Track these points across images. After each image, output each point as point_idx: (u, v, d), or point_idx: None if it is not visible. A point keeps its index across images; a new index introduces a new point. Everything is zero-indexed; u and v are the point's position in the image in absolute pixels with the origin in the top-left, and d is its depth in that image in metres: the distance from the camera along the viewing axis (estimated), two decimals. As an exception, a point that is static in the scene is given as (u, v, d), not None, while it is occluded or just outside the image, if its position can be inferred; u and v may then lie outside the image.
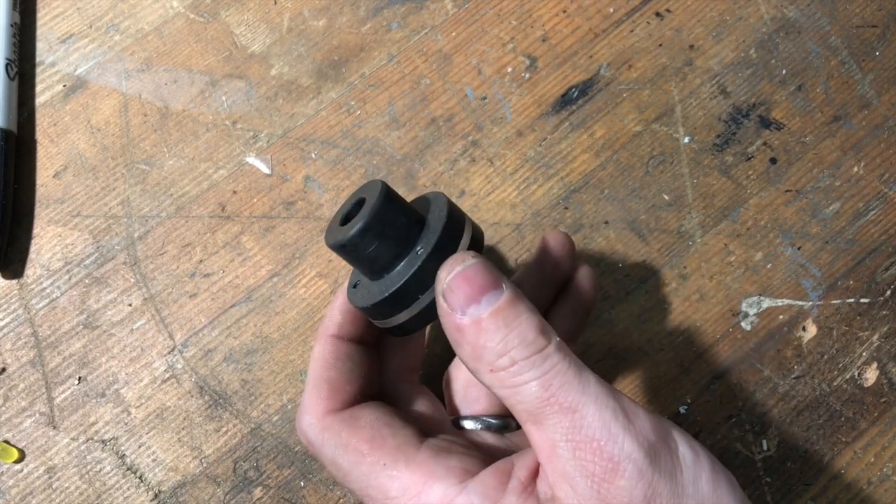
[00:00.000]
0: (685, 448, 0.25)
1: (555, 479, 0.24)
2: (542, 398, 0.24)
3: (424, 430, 0.30)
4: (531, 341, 0.25)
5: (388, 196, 0.27)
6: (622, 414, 0.24)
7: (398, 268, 0.27)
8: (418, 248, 0.27)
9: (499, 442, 0.32)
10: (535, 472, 0.26)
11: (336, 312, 0.31)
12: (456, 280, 0.25)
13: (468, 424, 0.33)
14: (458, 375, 0.34)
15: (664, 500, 0.24)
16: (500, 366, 0.25)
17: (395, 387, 0.33)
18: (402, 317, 0.28)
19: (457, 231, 0.28)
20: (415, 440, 0.28)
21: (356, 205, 0.28)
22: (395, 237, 0.27)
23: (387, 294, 0.27)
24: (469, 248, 0.28)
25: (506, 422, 0.33)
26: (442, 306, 0.26)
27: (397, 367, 0.33)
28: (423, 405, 0.32)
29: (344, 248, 0.27)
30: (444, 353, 0.40)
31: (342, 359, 0.30)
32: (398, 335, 0.30)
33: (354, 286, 0.30)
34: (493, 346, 0.25)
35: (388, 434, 0.28)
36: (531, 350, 0.25)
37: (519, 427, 0.34)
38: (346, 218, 0.28)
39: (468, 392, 0.33)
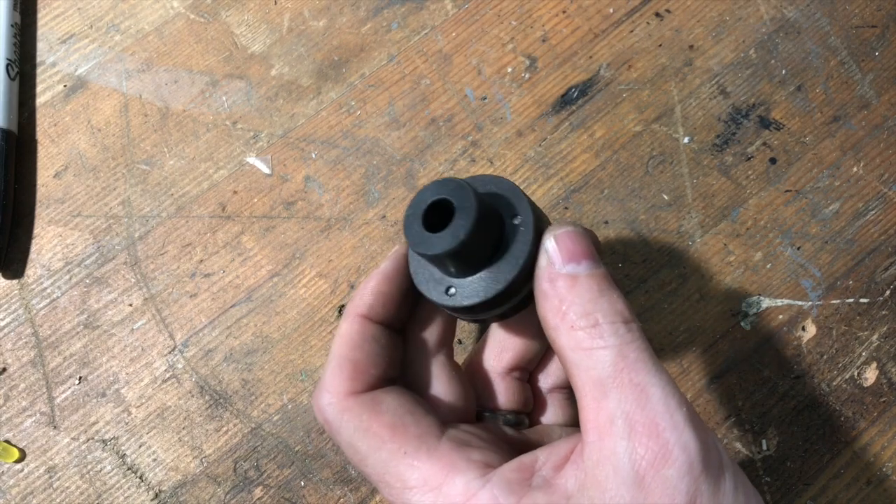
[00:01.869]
0: (727, 459, 0.25)
1: (599, 458, 0.24)
2: (616, 366, 0.24)
3: (445, 417, 0.30)
4: (619, 311, 0.25)
5: (479, 197, 0.27)
6: (685, 407, 0.24)
7: (502, 260, 0.28)
8: (514, 236, 0.28)
9: (516, 437, 0.32)
10: (561, 465, 0.26)
11: (368, 293, 0.30)
12: (563, 237, 0.27)
13: (484, 418, 0.32)
14: (477, 370, 0.34)
15: (705, 501, 0.23)
16: (582, 325, 0.25)
17: (418, 371, 0.32)
18: (505, 306, 0.29)
19: (543, 215, 0.29)
20: (436, 430, 0.28)
21: (432, 208, 0.27)
22: (492, 227, 0.28)
23: (506, 284, 0.27)
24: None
25: (520, 418, 0.33)
26: (542, 260, 0.27)
27: (418, 349, 0.32)
28: (449, 387, 0.31)
29: (465, 247, 0.26)
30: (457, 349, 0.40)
31: (369, 340, 0.29)
32: (488, 321, 0.30)
33: (448, 292, 0.29)
34: (581, 303, 0.25)
35: (411, 422, 0.28)
36: (618, 318, 0.25)
37: (533, 424, 0.34)
38: (427, 223, 0.27)
39: (486, 386, 0.33)
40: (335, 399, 0.28)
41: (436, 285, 0.29)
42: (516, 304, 0.29)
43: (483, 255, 0.27)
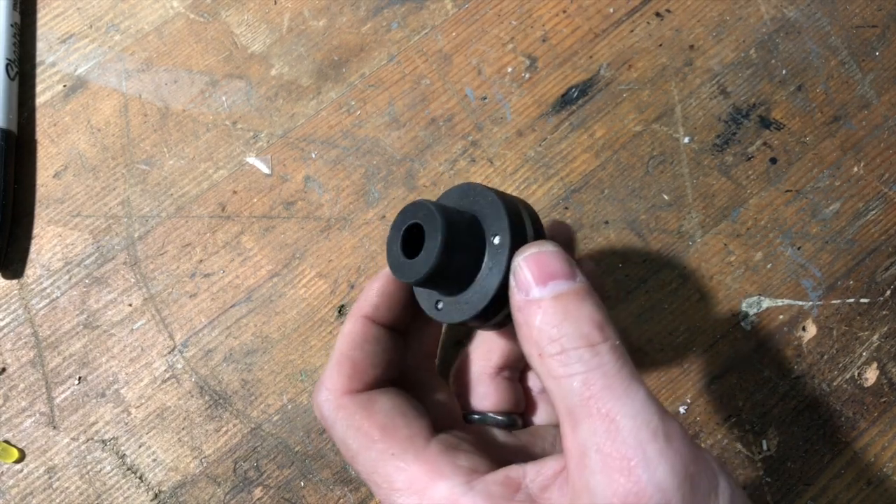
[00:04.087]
0: (723, 476, 0.24)
1: (579, 489, 0.23)
2: (582, 396, 0.23)
3: (437, 422, 0.30)
4: (584, 334, 0.24)
5: (447, 215, 0.27)
6: (663, 437, 0.23)
7: (482, 273, 0.27)
8: (492, 258, 0.27)
9: (508, 439, 0.32)
10: (547, 485, 0.26)
11: (374, 294, 0.31)
12: (526, 261, 0.26)
13: (475, 420, 0.33)
14: (467, 371, 0.34)
15: None
16: (548, 352, 0.24)
17: (415, 374, 0.32)
18: (493, 321, 0.28)
19: (519, 220, 0.28)
20: (426, 433, 0.28)
21: (408, 232, 0.27)
22: (468, 249, 0.27)
23: (488, 301, 0.27)
24: (534, 230, 0.28)
25: (512, 419, 0.33)
26: (511, 285, 0.26)
27: (417, 352, 0.33)
28: (438, 395, 0.32)
29: (432, 277, 0.26)
30: (452, 350, 0.40)
31: (370, 341, 0.30)
32: (484, 329, 0.30)
33: (437, 307, 0.29)
34: (547, 329, 0.25)
35: (402, 423, 0.28)
36: (582, 342, 0.24)
37: (526, 425, 0.34)
38: (405, 250, 0.27)
39: (476, 388, 0.33)
40: (332, 396, 0.29)
41: (428, 297, 0.30)
42: (507, 316, 0.28)
43: (461, 277, 0.27)
